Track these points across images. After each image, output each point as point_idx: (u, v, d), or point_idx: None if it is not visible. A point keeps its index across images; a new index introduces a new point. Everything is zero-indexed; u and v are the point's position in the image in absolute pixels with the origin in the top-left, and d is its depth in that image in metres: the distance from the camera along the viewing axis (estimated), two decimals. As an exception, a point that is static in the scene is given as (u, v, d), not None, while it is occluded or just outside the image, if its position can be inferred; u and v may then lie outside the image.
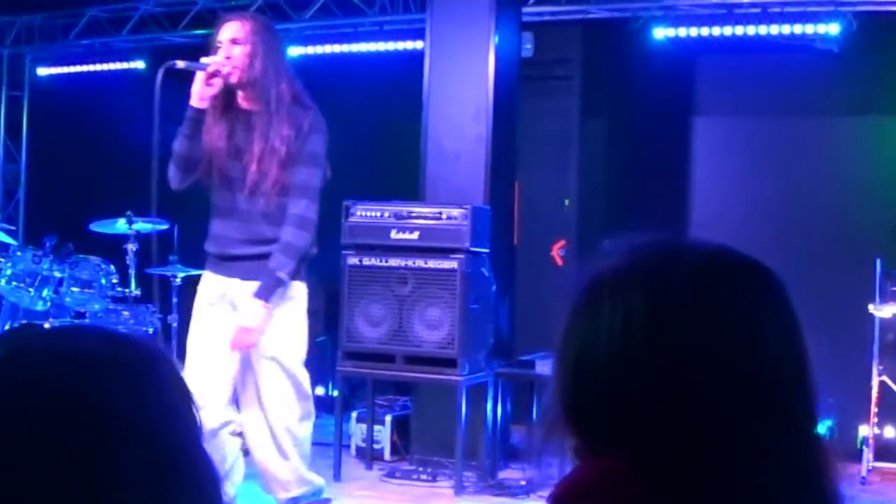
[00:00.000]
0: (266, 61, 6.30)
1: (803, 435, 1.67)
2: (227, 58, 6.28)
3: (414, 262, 8.56)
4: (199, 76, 6.33)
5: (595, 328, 1.71)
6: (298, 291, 6.51)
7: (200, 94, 6.34)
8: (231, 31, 6.37)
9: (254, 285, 6.27)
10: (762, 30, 10.84)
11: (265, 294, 6.25)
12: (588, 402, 1.72)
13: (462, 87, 9.45)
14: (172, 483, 1.44)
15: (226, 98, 6.41)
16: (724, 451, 1.61)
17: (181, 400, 1.53)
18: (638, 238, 1.80)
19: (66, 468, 1.37)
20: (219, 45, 6.37)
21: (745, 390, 1.63)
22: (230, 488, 6.45)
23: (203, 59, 6.36)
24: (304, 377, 6.60)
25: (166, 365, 1.54)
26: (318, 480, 6.83)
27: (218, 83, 6.30)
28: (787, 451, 1.63)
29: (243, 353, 6.38)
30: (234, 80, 6.31)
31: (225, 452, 6.39)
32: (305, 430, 6.67)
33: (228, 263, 6.50)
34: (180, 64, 6.43)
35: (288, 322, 6.47)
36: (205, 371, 6.32)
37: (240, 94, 6.42)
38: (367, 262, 8.71)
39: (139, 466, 1.41)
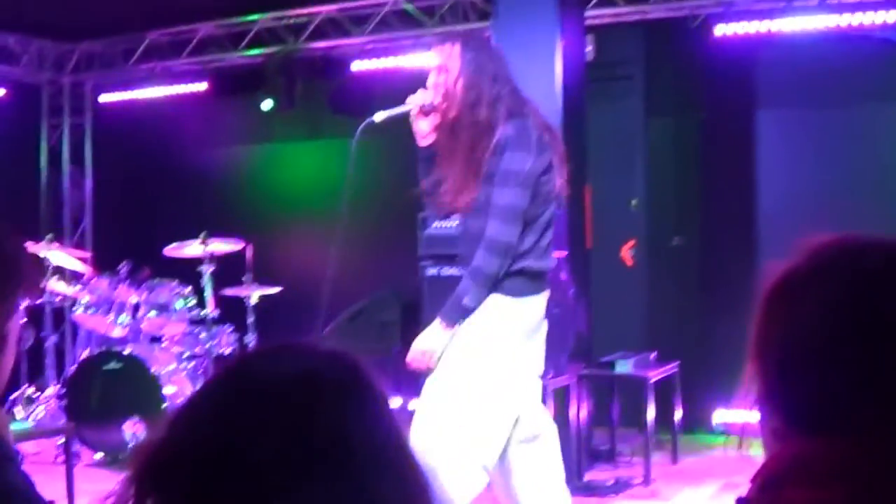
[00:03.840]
0: (468, 83, 5.89)
1: None
2: (435, 86, 5.96)
3: (492, 270, 8.57)
4: (414, 117, 6.04)
5: (794, 319, 1.79)
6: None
7: (421, 132, 6.05)
8: (437, 58, 6.03)
9: None
10: (821, 21, 10.82)
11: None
12: (792, 391, 1.78)
13: (531, 93, 9.39)
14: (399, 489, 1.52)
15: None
16: None
17: (387, 406, 1.62)
18: (817, 237, 1.86)
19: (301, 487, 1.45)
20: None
21: None
22: None
23: (408, 100, 6.03)
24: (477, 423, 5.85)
25: (376, 381, 1.61)
26: None
27: (433, 117, 5.99)
28: None
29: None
30: (446, 109, 5.95)
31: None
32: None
33: None
34: (379, 118, 6.14)
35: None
36: None
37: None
38: (445, 272, 8.73)
39: (375, 479, 1.49)
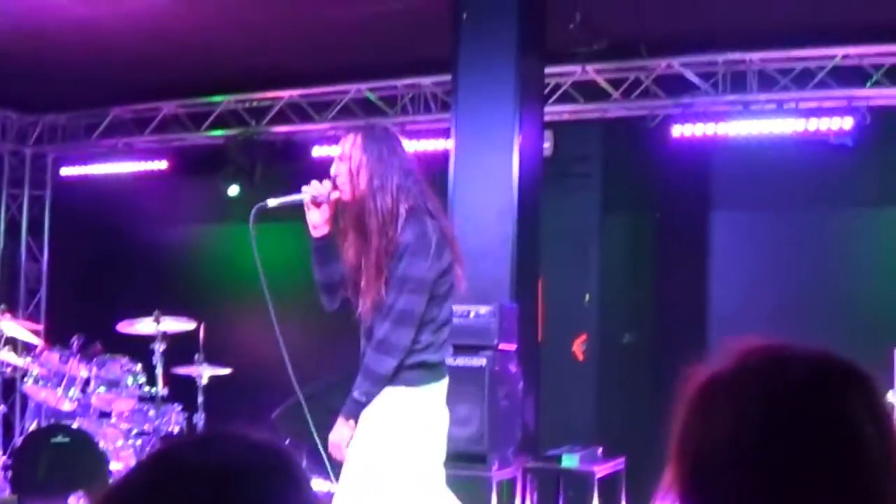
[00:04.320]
0: (371, 171, 5.95)
1: None
2: (335, 176, 6.04)
3: (443, 360, 8.60)
4: (307, 206, 6.12)
5: (712, 425, 1.82)
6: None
7: (313, 223, 6.13)
8: (340, 147, 6.11)
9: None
10: (778, 125, 10.97)
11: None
12: (706, 495, 1.82)
13: (487, 186, 9.56)
14: None
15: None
16: None
17: (309, 498, 1.67)
18: (744, 341, 1.90)
19: None
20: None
21: (852, 489, 1.74)
22: None
23: (304, 189, 6.11)
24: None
25: (297, 468, 1.66)
26: None
27: (325, 209, 6.08)
28: None
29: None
30: (345, 197, 6.02)
31: None
32: None
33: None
34: (272, 203, 6.27)
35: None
36: None
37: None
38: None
39: None
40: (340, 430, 5.95)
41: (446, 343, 6.21)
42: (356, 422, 5.91)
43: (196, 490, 1.57)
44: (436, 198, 6.22)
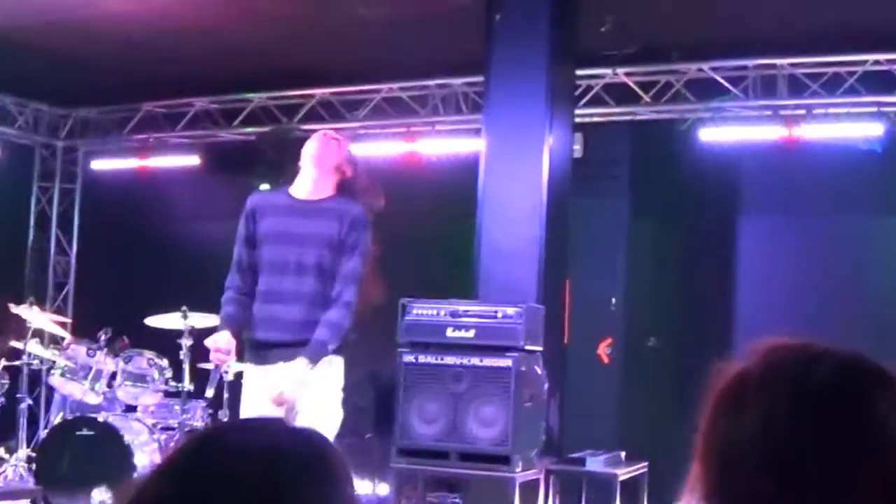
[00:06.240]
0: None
1: None
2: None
3: (469, 360, 8.61)
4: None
5: (739, 424, 1.83)
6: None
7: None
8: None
9: None
10: (807, 131, 10.96)
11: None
12: (731, 494, 1.83)
13: (517, 187, 9.58)
14: None
15: None
16: None
17: (350, 486, 1.69)
18: (771, 340, 1.90)
19: None
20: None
21: (879, 489, 1.75)
22: None
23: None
24: None
25: (340, 461, 1.68)
26: None
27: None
28: None
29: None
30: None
31: None
32: None
33: None
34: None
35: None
36: None
37: None
38: (422, 359, 8.77)
39: None
40: (305, 374, 6.41)
41: None
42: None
43: (245, 474, 1.58)
44: None
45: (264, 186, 12.95)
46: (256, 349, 6.73)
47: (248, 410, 6.70)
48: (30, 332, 10.62)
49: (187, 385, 10.33)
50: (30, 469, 10.28)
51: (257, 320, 6.74)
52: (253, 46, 11.89)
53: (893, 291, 10.88)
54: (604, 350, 11.69)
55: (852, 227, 11.19)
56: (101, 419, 10.22)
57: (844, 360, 1.88)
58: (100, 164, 14.74)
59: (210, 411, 10.83)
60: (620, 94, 11.76)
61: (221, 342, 6.56)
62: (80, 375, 10.58)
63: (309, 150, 6.81)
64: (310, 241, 6.62)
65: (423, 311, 8.87)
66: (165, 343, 10.64)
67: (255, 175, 12.88)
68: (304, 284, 6.60)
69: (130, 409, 10.88)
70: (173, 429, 10.60)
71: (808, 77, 11.13)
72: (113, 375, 10.64)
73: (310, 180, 6.80)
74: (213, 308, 10.59)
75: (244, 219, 6.99)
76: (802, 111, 11.07)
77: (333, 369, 6.65)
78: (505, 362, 8.54)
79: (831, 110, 10.99)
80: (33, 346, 10.76)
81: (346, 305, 6.54)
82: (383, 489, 9.60)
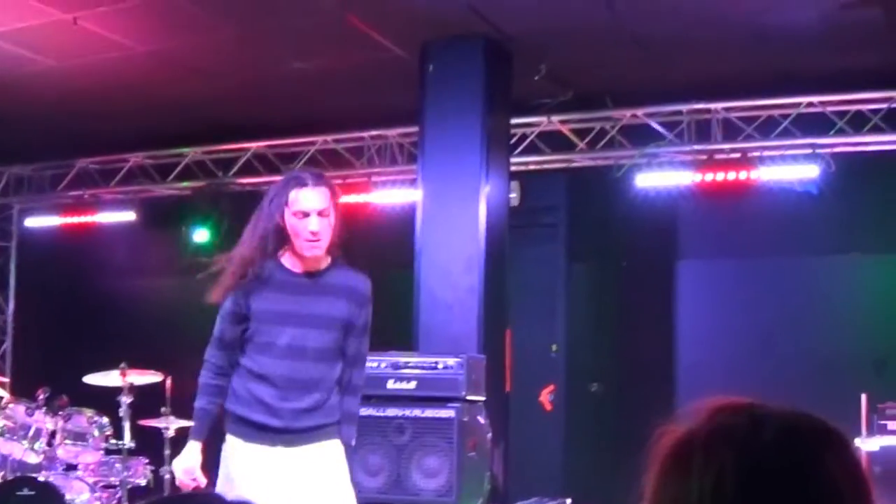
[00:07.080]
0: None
1: None
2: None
3: (411, 412, 8.60)
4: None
5: (687, 488, 1.82)
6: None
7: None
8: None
9: None
10: (742, 174, 11.03)
11: None
12: None
13: (454, 236, 9.58)
14: None
15: None
16: None
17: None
18: (715, 400, 1.91)
19: None
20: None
21: None
22: None
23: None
24: None
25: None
26: None
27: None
28: None
29: None
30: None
31: None
32: None
33: None
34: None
35: None
36: None
37: None
38: (364, 412, 8.71)
39: None
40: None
41: None
42: None
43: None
44: None
45: (201, 237, 12.92)
46: (257, 430, 6.00)
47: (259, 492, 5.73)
48: (-33, 393, 10.51)
49: (128, 443, 10.24)
50: (-31, 532, 10.15)
51: (250, 400, 6.04)
52: (187, 101, 11.87)
53: (832, 331, 10.96)
54: (546, 397, 11.69)
55: (790, 268, 11.27)
56: (41, 479, 10.09)
57: (789, 421, 1.88)
58: (35, 221, 14.62)
59: (152, 468, 10.73)
60: (556, 141, 11.81)
61: (197, 470, 5.92)
62: (20, 435, 10.45)
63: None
64: (317, 323, 6.00)
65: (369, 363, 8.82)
66: (105, 400, 10.54)
67: (190, 229, 12.84)
68: (312, 370, 5.97)
69: (71, 467, 10.75)
70: (115, 486, 10.50)
71: (742, 120, 11.23)
72: (53, 434, 10.52)
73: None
74: (152, 364, 10.57)
75: (233, 295, 6.11)
76: (738, 155, 11.14)
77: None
78: (447, 413, 8.53)
79: (766, 153, 11.07)
80: (-29, 407, 10.64)
81: (357, 390, 6.16)
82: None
